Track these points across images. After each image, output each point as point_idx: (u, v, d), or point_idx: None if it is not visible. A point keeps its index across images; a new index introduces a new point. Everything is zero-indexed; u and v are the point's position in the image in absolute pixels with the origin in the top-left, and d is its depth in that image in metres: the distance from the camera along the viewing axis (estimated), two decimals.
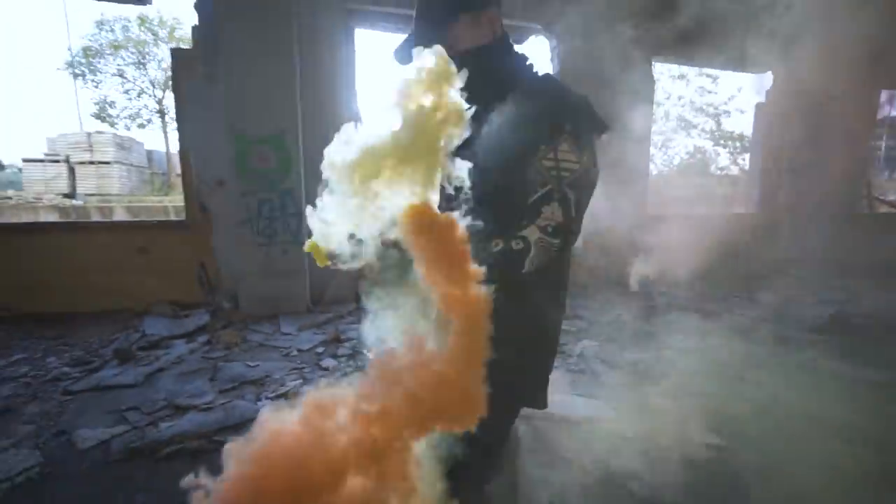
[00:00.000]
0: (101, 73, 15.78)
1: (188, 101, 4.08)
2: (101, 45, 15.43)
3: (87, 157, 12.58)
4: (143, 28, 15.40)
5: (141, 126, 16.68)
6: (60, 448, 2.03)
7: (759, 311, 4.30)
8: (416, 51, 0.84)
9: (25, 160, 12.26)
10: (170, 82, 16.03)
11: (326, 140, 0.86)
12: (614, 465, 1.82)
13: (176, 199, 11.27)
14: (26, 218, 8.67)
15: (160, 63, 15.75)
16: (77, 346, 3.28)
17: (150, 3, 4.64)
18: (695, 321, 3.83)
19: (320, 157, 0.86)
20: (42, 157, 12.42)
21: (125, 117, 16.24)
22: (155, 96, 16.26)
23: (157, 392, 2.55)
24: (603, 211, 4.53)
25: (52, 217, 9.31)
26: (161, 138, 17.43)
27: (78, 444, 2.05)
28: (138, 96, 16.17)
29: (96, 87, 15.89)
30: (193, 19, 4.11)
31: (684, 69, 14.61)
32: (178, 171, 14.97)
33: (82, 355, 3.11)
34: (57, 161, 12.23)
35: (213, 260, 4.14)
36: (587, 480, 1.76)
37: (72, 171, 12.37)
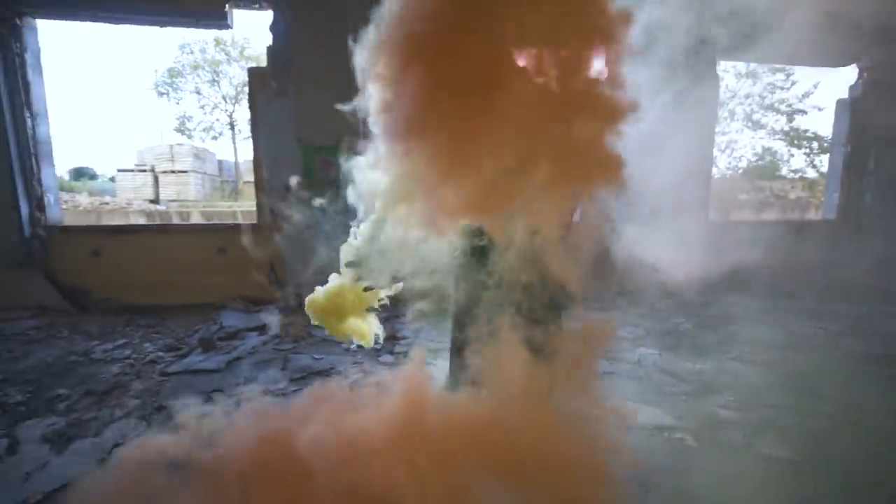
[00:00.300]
0: (181, 90, 17.48)
1: (261, 113, 4.48)
2: (182, 65, 17.08)
3: (168, 166, 13.95)
4: (217, 49, 16.85)
5: (214, 138, 18.25)
6: (161, 421, 2.33)
7: (838, 325, 3.97)
8: None
9: (119, 170, 13.78)
10: (239, 97, 17.44)
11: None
12: (676, 474, 1.80)
13: (244, 205, 12.19)
14: (120, 221, 9.77)
15: (231, 80, 17.17)
16: (167, 335, 3.69)
17: (231, 27, 5.14)
18: (763, 332, 3.61)
19: None
20: (132, 167, 13.93)
21: (201, 130, 17.81)
22: (226, 110, 17.71)
23: (237, 377, 2.82)
24: (661, 215, 4.39)
25: (141, 220, 10.40)
26: (231, 148, 18.93)
27: (175, 418, 2.33)
28: (212, 111, 17.70)
29: (177, 103, 17.62)
30: (267, 40, 4.50)
31: (753, 65, 13.69)
32: (246, 178, 16.18)
33: (172, 342, 3.50)
34: (144, 171, 13.67)
35: (281, 260, 4.49)
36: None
37: (156, 179, 13.77)
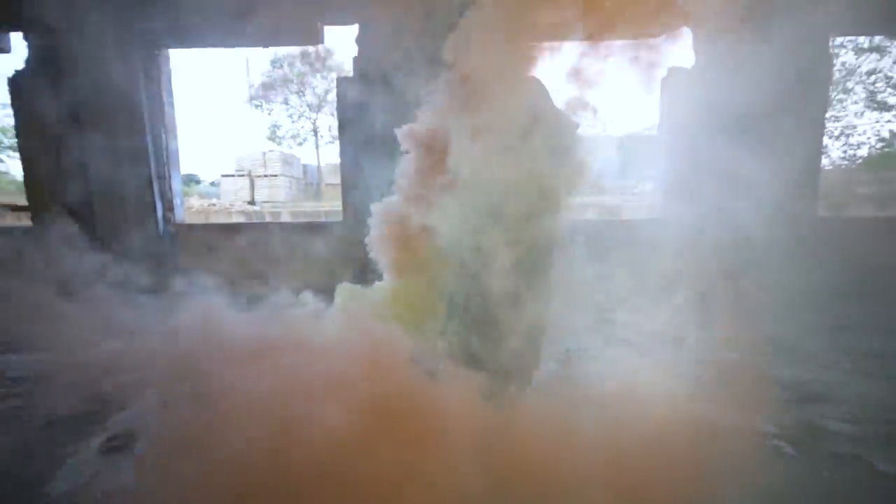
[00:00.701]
0: (272, 102, 19.30)
1: (347, 119, 4.87)
2: (273, 79, 18.85)
3: (261, 171, 15.52)
4: (303, 62, 18.35)
5: (299, 144, 19.88)
6: None
7: None
8: None
9: (223, 175, 15.60)
10: (321, 105, 18.86)
11: None
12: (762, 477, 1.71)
13: (325, 205, 13.18)
14: (223, 220, 11.10)
15: (314, 90, 18.59)
16: None
17: (322, 42, 5.63)
18: (882, 343, 3.19)
19: None
20: (233, 172, 15.71)
21: (289, 137, 19.51)
22: (310, 118, 19.22)
23: None
24: (763, 212, 4.03)
25: (241, 219, 11.70)
26: (314, 153, 20.51)
27: None
28: (298, 119, 19.31)
29: (268, 114, 19.47)
30: (352, 51, 4.89)
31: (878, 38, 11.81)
32: (328, 180, 17.43)
33: None
34: (242, 175, 15.34)
35: (364, 255, 4.84)
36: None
37: (252, 183, 15.38)
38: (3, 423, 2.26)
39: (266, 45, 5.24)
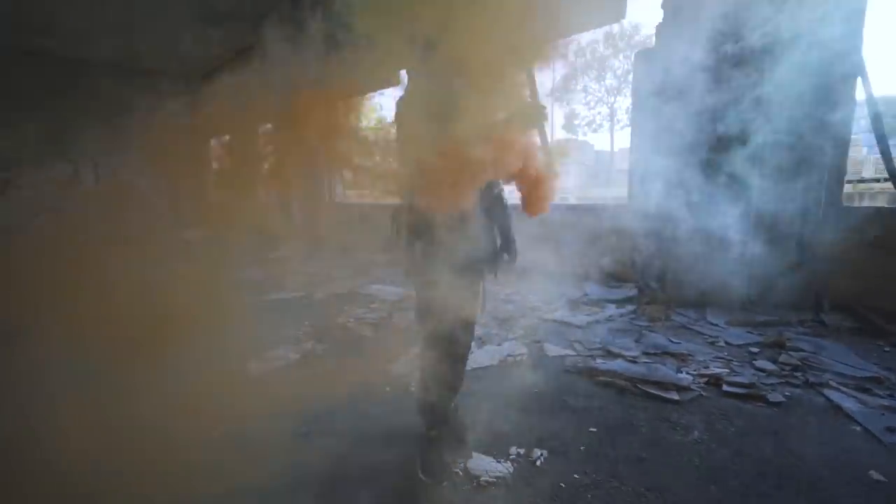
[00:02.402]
0: (571, 92, 19.97)
1: (640, 99, 4.52)
2: (574, 70, 19.42)
3: None
4: (606, 44, 17.99)
5: (594, 131, 19.84)
6: (537, 351, 2.98)
7: None
8: None
9: None
10: (621, 88, 18.04)
11: None
12: None
13: (614, 192, 12.75)
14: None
15: (615, 72, 17.95)
16: (545, 293, 4.55)
17: (624, 17, 5.40)
18: None
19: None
20: None
21: (584, 125, 19.80)
22: (608, 103, 18.77)
23: (595, 336, 3.16)
24: None
25: None
26: (607, 140, 20.02)
27: (546, 351, 2.93)
28: (594, 105, 19.24)
29: (567, 104, 20.28)
30: (657, 19, 4.44)
31: None
32: (619, 167, 16.76)
33: (548, 298, 4.29)
34: None
35: (645, 241, 4.49)
36: None
37: None
38: None
39: (568, 35, 5.48)
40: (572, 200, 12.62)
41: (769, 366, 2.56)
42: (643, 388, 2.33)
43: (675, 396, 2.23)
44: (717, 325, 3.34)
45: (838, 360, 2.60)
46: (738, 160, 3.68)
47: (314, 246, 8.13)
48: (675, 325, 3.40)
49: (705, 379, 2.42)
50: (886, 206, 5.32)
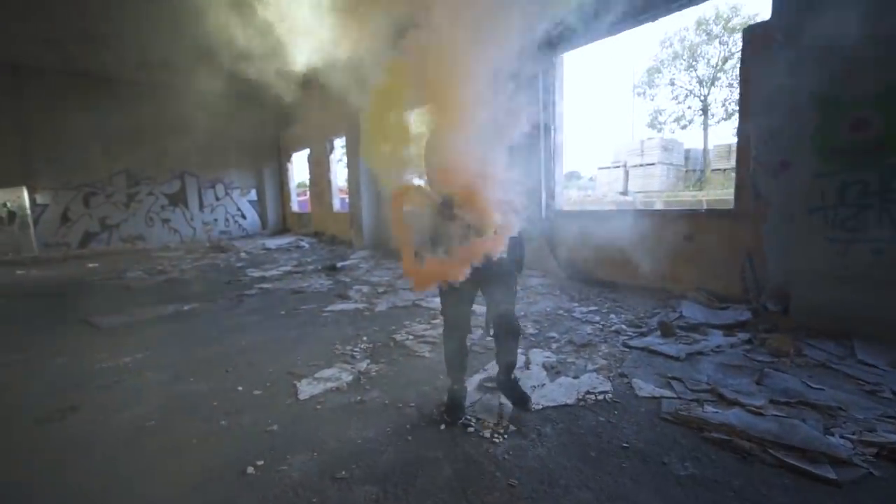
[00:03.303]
0: (655, 86, 18.31)
1: (755, 78, 3.74)
2: (660, 62, 17.79)
3: (637, 160, 15.13)
4: (698, 31, 16.21)
5: (683, 127, 17.97)
6: (622, 387, 2.46)
7: None
8: None
9: (599, 168, 16.40)
10: (717, 76, 16.10)
11: None
12: None
13: (709, 194, 11.28)
14: (594, 209, 11.64)
15: (709, 61, 16.08)
16: (628, 311, 3.94)
17: None
18: None
19: None
20: (609, 164, 16.19)
21: (671, 121, 18.02)
22: (700, 95, 16.88)
23: (699, 373, 2.55)
24: None
25: (611, 209, 11.91)
26: (699, 136, 18.02)
27: (636, 389, 2.40)
28: (684, 99, 17.41)
29: (651, 100, 18.63)
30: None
31: None
32: (714, 166, 14.95)
33: (633, 319, 3.68)
34: (618, 167, 15.54)
35: (762, 253, 3.68)
36: None
37: (626, 173, 15.31)
38: None
39: (655, 19, 4.81)
40: (658, 205, 11.39)
41: None
42: (777, 455, 1.73)
43: (832, 475, 1.61)
44: (873, 365, 2.54)
45: None
46: None
47: (381, 254, 8.11)
48: (809, 362, 2.65)
49: (873, 449, 1.75)
50: None
